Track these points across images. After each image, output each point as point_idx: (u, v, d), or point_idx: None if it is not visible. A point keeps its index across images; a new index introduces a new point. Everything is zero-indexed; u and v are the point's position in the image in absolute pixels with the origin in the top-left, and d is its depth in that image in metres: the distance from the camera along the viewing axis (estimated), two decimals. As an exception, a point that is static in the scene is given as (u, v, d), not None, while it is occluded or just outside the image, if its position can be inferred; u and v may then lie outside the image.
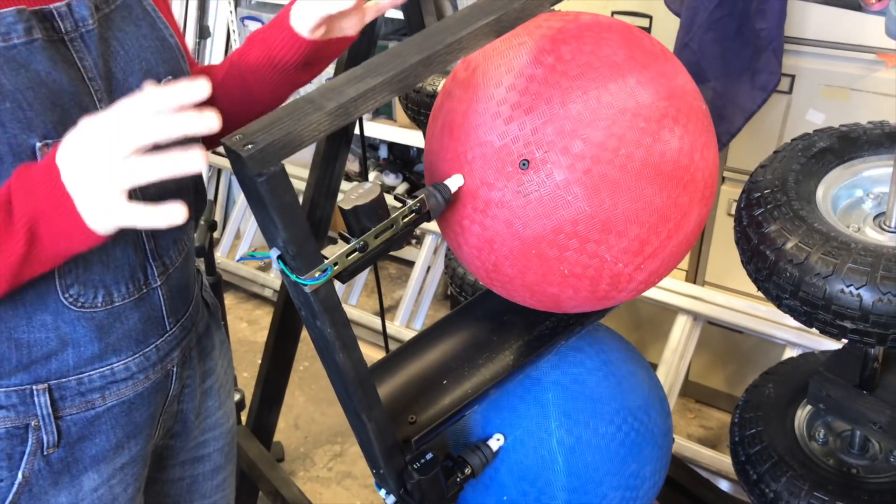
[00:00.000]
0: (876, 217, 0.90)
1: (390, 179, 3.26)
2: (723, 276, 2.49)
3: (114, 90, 0.86)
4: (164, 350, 0.97)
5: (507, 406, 1.05)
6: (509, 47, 0.88)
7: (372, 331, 2.84)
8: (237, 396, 2.08)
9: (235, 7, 3.25)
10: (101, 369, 0.90)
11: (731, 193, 2.36)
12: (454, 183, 0.87)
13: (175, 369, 1.00)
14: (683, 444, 2.33)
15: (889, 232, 0.86)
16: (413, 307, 2.87)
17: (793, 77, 2.12)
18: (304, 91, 0.81)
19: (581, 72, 0.84)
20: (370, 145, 3.35)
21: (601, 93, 0.83)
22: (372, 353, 2.91)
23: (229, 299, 3.31)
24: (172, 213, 0.69)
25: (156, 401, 0.99)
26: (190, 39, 3.41)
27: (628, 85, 0.84)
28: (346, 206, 0.79)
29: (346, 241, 0.81)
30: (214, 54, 3.43)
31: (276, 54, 0.96)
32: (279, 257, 0.76)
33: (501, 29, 0.81)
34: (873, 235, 0.87)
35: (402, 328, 2.80)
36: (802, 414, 1.09)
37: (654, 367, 2.42)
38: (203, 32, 3.43)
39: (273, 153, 0.69)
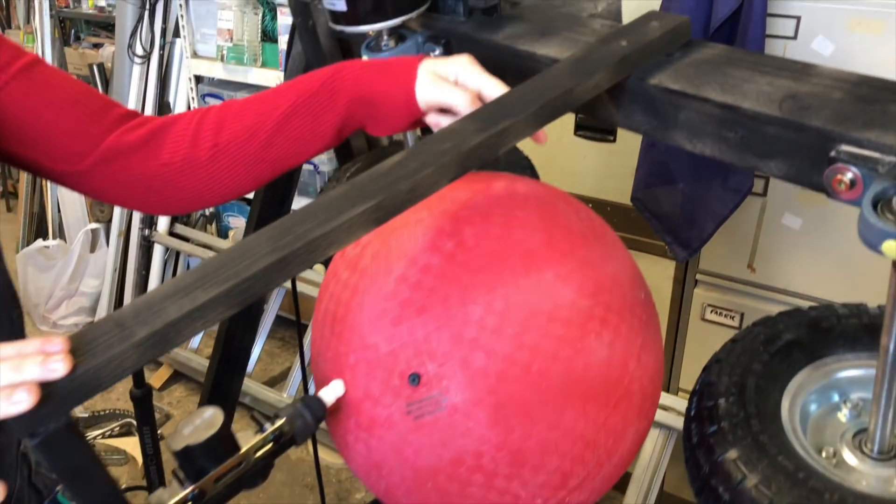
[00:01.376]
0: (856, 434, 0.73)
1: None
2: (699, 384, 2.31)
3: None
4: None
5: None
6: (404, 224, 0.72)
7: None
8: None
9: (196, 84, 3.14)
10: None
11: (704, 297, 2.20)
12: (331, 394, 0.70)
13: None
14: (658, 571, 2.12)
15: (871, 459, 0.69)
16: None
17: (767, 179, 1.98)
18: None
19: (486, 263, 0.67)
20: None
21: (510, 291, 0.66)
22: (327, 456, 2.70)
23: (179, 391, 3.11)
24: None
25: None
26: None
27: (544, 280, 0.67)
28: (176, 447, 0.61)
29: (179, 482, 0.63)
30: (174, 131, 3.30)
31: (378, 98, 0.82)
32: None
33: (383, 217, 0.64)
34: (852, 463, 0.70)
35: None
36: None
37: (626, 479, 2.23)
38: (163, 109, 3.32)
39: (54, 405, 0.52)
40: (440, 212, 0.72)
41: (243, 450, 0.64)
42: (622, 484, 2.26)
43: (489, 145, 0.70)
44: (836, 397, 0.76)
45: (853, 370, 0.76)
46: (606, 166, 2.23)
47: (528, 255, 0.68)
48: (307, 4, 1.13)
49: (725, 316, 2.17)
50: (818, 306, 0.81)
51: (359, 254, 0.74)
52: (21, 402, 0.50)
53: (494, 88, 0.80)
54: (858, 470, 0.70)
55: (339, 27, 0.92)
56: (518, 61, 0.90)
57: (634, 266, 0.76)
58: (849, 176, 0.64)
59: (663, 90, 0.76)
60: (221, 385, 1.42)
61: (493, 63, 0.94)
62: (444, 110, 0.81)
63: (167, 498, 0.61)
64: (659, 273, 2.27)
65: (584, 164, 2.28)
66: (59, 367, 0.52)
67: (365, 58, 1.00)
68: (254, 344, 1.43)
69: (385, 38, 0.97)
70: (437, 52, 0.97)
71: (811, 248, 1.99)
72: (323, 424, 0.72)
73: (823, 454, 0.71)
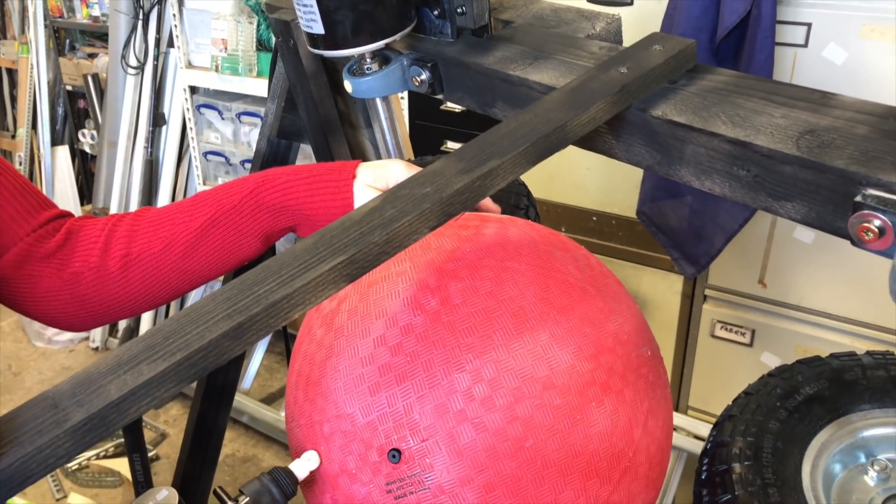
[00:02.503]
0: (887, 501, 0.66)
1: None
2: (707, 402, 2.25)
3: None
4: None
5: None
6: (384, 277, 0.65)
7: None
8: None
9: (191, 95, 3.08)
10: None
11: (713, 314, 2.13)
12: (304, 466, 0.63)
13: None
14: None
15: (906, 533, 0.62)
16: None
17: (779, 192, 1.90)
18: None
19: (473, 324, 0.60)
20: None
21: (501, 356, 0.59)
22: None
23: (175, 409, 3.06)
24: None
25: None
26: (144, 127, 3.24)
27: (539, 342, 0.60)
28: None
29: (134, 576, 0.56)
30: (169, 142, 3.25)
31: (310, 209, 0.81)
32: None
33: (355, 272, 0.57)
34: (884, 538, 0.63)
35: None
36: None
37: (636, 502, 2.16)
38: (158, 120, 3.27)
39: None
40: (424, 263, 0.65)
41: (202, 539, 0.57)
42: (630, 505, 2.20)
43: (474, 189, 0.63)
44: (862, 458, 0.69)
45: (881, 428, 0.69)
46: (612, 179, 2.16)
47: (520, 313, 0.61)
48: (288, 23, 1.07)
49: (736, 332, 2.10)
50: (840, 354, 0.74)
51: (335, 309, 0.67)
52: None
53: None
54: (891, 547, 0.63)
55: (316, 51, 0.86)
56: (509, 88, 0.83)
57: (640, 318, 0.69)
58: (877, 224, 0.57)
59: (667, 123, 0.69)
60: (207, 419, 1.35)
61: (483, 89, 0.88)
62: None
63: None
64: (666, 288, 2.19)
65: (589, 177, 2.21)
66: None
67: (346, 83, 0.93)
68: (239, 376, 1.37)
69: (368, 61, 0.91)
70: (423, 76, 0.90)
71: (824, 263, 1.91)
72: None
73: (851, 529, 0.64)
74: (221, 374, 1.32)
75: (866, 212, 0.57)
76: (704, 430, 2.07)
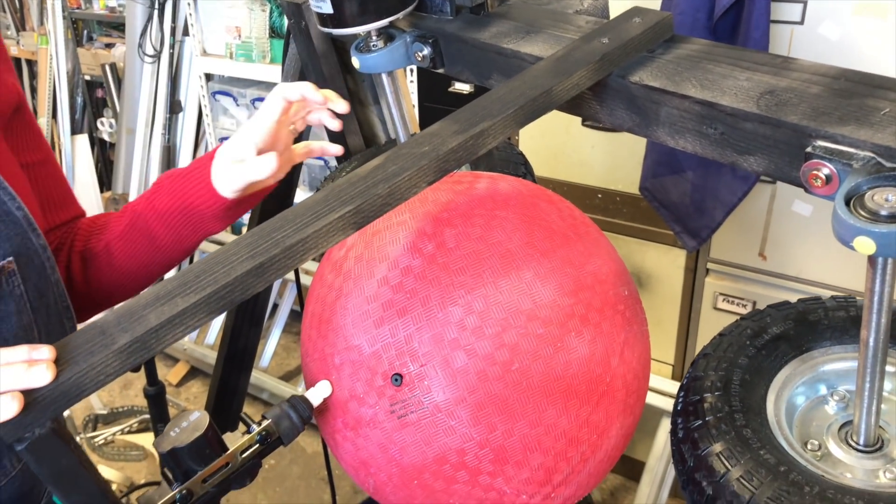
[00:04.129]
0: (842, 427, 0.73)
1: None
2: (711, 373, 2.31)
3: None
4: None
5: None
6: (386, 227, 0.73)
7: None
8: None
9: (207, 82, 3.16)
10: None
11: (716, 286, 2.19)
12: (318, 394, 0.71)
13: None
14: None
15: (857, 451, 0.69)
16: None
17: (776, 166, 1.96)
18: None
19: (465, 264, 0.68)
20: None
21: (489, 291, 0.67)
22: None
23: (196, 387, 3.15)
24: None
25: None
26: (161, 114, 3.33)
27: (524, 280, 0.68)
28: (163, 449, 0.63)
29: (168, 482, 0.65)
30: (186, 129, 3.34)
31: (191, 206, 0.88)
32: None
33: (362, 221, 0.65)
34: (838, 455, 0.70)
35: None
36: None
37: (642, 467, 2.23)
38: (174, 107, 3.36)
39: (38, 412, 0.54)
40: (422, 214, 0.73)
41: (230, 451, 0.66)
42: (636, 474, 2.26)
43: (467, 147, 0.70)
44: (823, 390, 0.76)
45: (841, 363, 0.76)
46: (615, 156, 2.22)
47: (507, 255, 0.69)
48: (299, 6, 1.14)
49: (738, 304, 2.16)
50: (806, 298, 0.81)
51: (343, 256, 0.75)
52: (5, 411, 0.52)
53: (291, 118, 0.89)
54: (844, 462, 0.70)
55: (326, 30, 0.93)
56: (503, 60, 0.90)
57: (619, 262, 0.77)
58: (824, 172, 0.63)
59: (644, 87, 0.76)
60: (229, 382, 1.44)
61: (480, 62, 0.95)
62: None
63: (157, 498, 0.63)
64: (670, 262, 2.26)
65: (593, 155, 2.27)
66: (43, 376, 0.54)
67: (354, 59, 1.01)
68: (259, 341, 1.45)
69: (374, 38, 0.98)
70: (425, 52, 0.98)
71: (822, 235, 1.97)
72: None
73: (809, 447, 0.71)
74: (242, 339, 1.41)
75: (815, 161, 0.64)
76: (706, 398, 2.13)
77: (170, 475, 0.65)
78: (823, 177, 0.63)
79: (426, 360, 0.67)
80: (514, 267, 0.68)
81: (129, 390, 3.12)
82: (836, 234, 0.58)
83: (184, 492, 0.63)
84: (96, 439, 2.81)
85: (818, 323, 0.78)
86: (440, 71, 1.00)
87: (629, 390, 0.72)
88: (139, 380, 3.12)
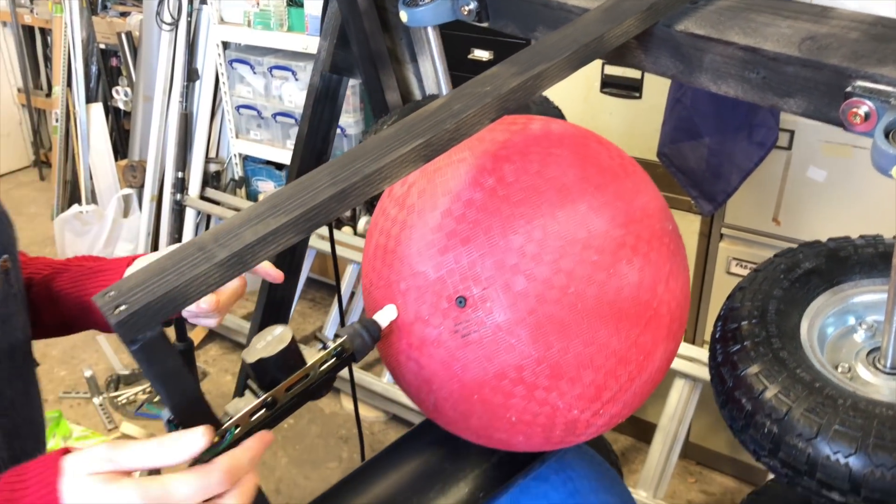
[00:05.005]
0: (870, 353, 0.78)
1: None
2: (723, 336, 2.37)
3: None
4: None
5: (459, 545, 0.93)
6: (448, 164, 0.78)
7: (360, 387, 2.72)
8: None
9: (224, 50, 3.19)
10: None
11: (729, 251, 2.25)
12: (385, 317, 0.77)
13: None
14: (682, 517, 2.19)
15: (884, 373, 0.75)
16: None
17: (792, 132, 2.01)
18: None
19: (525, 196, 0.73)
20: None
21: (547, 221, 0.72)
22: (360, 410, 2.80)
23: (214, 349, 3.22)
24: None
25: None
26: (178, 82, 3.36)
27: (579, 212, 0.73)
28: (250, 360, 0.68)
29: (254, 393, 0.70)
30: (203, 96, 3.37)
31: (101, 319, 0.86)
32: (169, 421, 0.65)
33: (431, 154, 0.70)
34: (866, 377, 0.75)
35: (390, 385, 2.68)
36: (795, 545, 0.98)
37: (653, 429, 2.30)
38: (192, 75, 3.38)
39: (149, 317, 0.59)
40: (481, 151, 0.78)
41: (310, 363, 0.71)
42: (648, 434, 2.33)
43: (526, 88, 0.75)
44: (852, 320, 0.82)
45: (869, 295, 0.81)
46: (632, 123, 2.26)
47: (563, 189, 0.74)
48: (345, -37, 1.18)
49: (750, 269, 2.21)
50: (837, 238, 0.86)
51: (405, 192, 0.81)
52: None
53: None
54: (872, 383, 0.75)
55: (377, -16, 0.98)
56: (549, 12, 0.94)
57: (662, 200, 0.82)
58: (863, 109, 0.68)
59: (689, 35, 0.81)
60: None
61: (525, 15, 0.99)
62: None
63: (243, 406, 0.69)
64: (685, 228, 2.31)
65: (611, 121, 2.31)
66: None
67: (402, 13, 1.05)
68: (295, 292, 1.51)
69: (422, -8, 1.03)
70: (471, 6, 1.02)
71: (835, 200, 2.02)
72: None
73: (839, 370, 0.76)
74: (280, 290, 1.47)
75: (855, 100, 0.69)
76: (718, 359, 2.19)
77: (254, 385, 0.71)
78: (862, 114, 0.68)
79: (488, 284, 0.72)
80: (569, 200, 0.73)
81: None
82: (876, 164, 0.63)
83: (269, 399, 0.69)
84: (119, 399, 2.88)
85: (848, 259, 0.83)
86: (484, 25, 1.05)
87: (673, 317, 0.78)
88: (159, 343, 3.19)
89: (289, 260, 1.46)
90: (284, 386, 0.70)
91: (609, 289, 0.72)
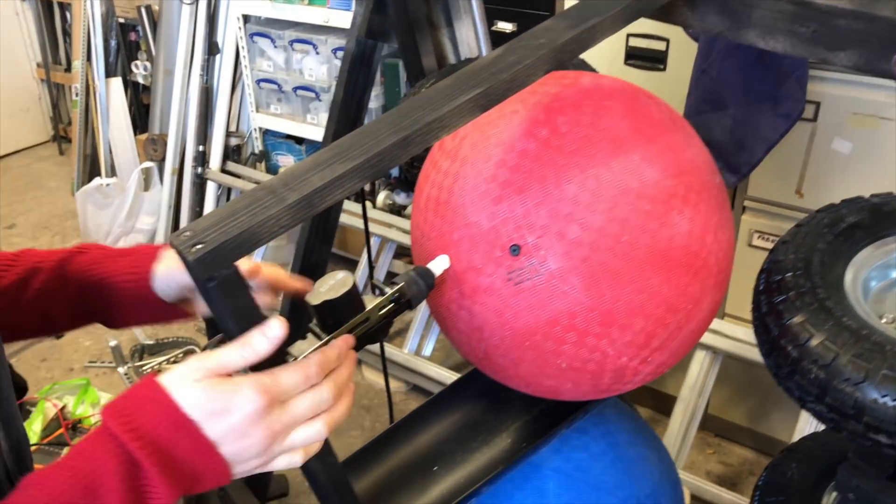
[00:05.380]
0: (913, 305, 0.80)
1: (401, 198, 3.18)
2: (744, 308, 2.38)
3: None
4: None
5: (502, 493, 0.96)
6: (500, 116, 0.80)
7: (375, 355, 2.75)
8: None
9: (244, 24, 3.20)
10: None
11: (751, 223, 2.25)
12: (438, 266, 0.79)
13: None
14: (702, 486, 2.22)
15: (927, 324, 0.76)
16: (424, 331, 2.79)
17: (818, 104, 2.01)
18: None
19: (578, 147, 0.75)
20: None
21: (601, 171, 0.74)
22: (380, 379, 2.83)
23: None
24: None
25: None
26: (199, 56, 3.37)
27: (632, 162, 0.75)
28: (315, 302, 0.71)
29: (317, 336, 0.73)
30: (224, 70, 3.38)
31: (122, 303, 0.84)
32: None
33: (488, 104, 0.72)
34: (910, 327, 0.77)
35: (411, 356, 2.72)
36: (830, 500, 1.00)
37: (672, 401, 2.32)
38: (212, 49, 3.39)
39: (225, 255, 0.62)
40: (533, 103, 0.79)
41: (370, 307, 0.74)
42: (667, 406, 2.36)
43: (580, 40, 0.76)
44: (894, 274, 0.83)
45: (912, 249, 0.83)
46: (658, 94, 2.27)
47: (616, 140, 0.76)
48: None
49: (772, 241, 2.22)
50: (880, 193, 0.88)
51: (457, 145, 0.82)
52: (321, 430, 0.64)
53: None
54: (915, 334, 0.77)
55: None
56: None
57: (709, 155, 0.83)
58: (916, 60, 0.70)
59: (738, -10, 0.82)
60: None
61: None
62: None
63: (306, 347, 0.71)
64: (705, 201, 2.32)
65: (633, 94, 2.31)
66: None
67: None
68: (329, 257, 1.54)
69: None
70: None
71: (860, 173, 2.02)
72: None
73: (883, 319, 0.78)
74: (314, 255, 1.49)
75: (907, 51, 0.70)
76: (741, 332, 2.20)
77: (316, 329, 0.73)
78: (914, 65, 0.70)
79: (543, 233, 0.74)
80: (622, 150, 0.75)
81: (172, 324, 3.22)
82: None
83: (332, 340, 0.72)
84: (143, 368, 2.93)
85: (892, 213, 0.84)
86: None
87: (720, 267, 0.79)
88: (181, 314, 3.23)
89: (322, 226, 1.48)
90: (346, 328, 0.72)
91: (661, 238, 0.74)
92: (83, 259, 0.87)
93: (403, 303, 0.76)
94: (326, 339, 0.72)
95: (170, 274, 0.84)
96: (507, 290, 0.76)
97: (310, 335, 0.74)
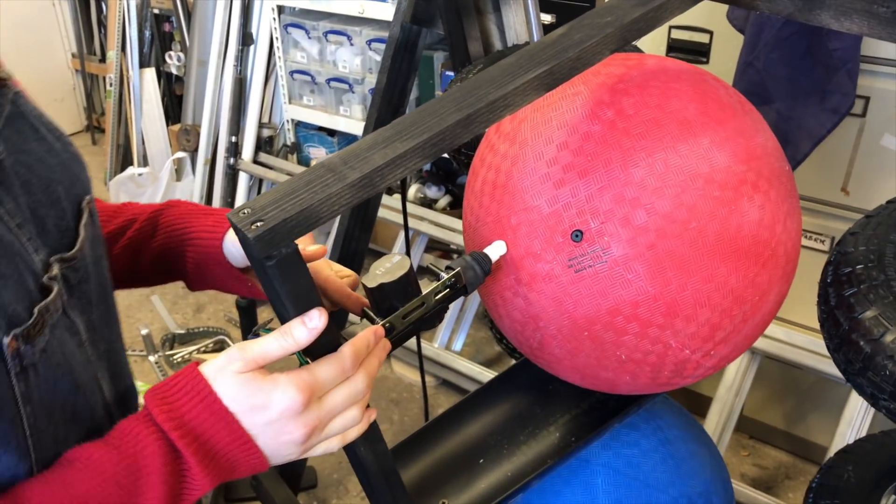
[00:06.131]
0: None
1: (433, 192, 3.17)
2: (785, 308, 2.33)
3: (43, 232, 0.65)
4: None
5: (550, 490, 0.94)
6: (562, 98, 0.77)
7: (410, 351, 2.74)
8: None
9: (279, 14, 3.20)
10: None
11: (794, 221, 2.19)
12: (495, 251, 0.76)
13: None
14: (737, 488, 2.18)
15: None
16: (454, 326, 2.77)
17: (867, 99, 1.95)
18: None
19: (645, 130, 0.72)
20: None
21: (669, 155, 0.71)
22: (409, 374, 2.82)
23: (268, 311, 3.26)
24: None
25: None
26: (233, 46, 3.37)
27: (701, 146, 0.72)
28: (371, 284, 0.69)
29: (371, 320, 0.71)
30: (257, 61, 3.39)
31: (208, 272, 0.85)
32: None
33: (553, 82, 0.69)
34: None
35: (442, 351, 2.70)
36: (889, 503, 0.96)
37: (707, 402, 2.28)
38: (246, 39, 3.40)
39: (285, 233, 0.60)
40: (597, 85, 0.77)
41: (426, 292, 0.72)
42: (703, 407, 2.31)
43: (647, 19, 0.74)
44: (970, 270, 0.79)
45: None
46: (697, 88, 2.22)
47: (685, 123, 0.73)
48: None
49: (815, 240, 2.16)
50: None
51: (516, 127, 0.80)
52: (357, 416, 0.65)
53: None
54: None
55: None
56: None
57: (776, 141, 0.80)
58: None
59: (812, -30, 0.79)
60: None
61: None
62: None
63: (359, 330, 0.69)
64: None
65: (674, 87, 2.27)
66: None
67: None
68: (367, 246, 1.52)
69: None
70: None
71: (909, 171, 1.96)
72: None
73: (962, 316, 0.74)
74: (354, 242, 1.48)
75: None
76: (781, 333, 2.16)
77: (371, 312, 0.71)
78: None
79: (607, 218, 0.71)
80: (691, 133, 0.72)
81: (202, 314, 3.24)
82: None
83: (387, 325, 0.70)
84: (174, 357, 2.94)
85: (969, 206, 0.81)
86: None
87: (788, 258, 0.76)
88: (211, 304, 3.24)
89: (362, 214, 1.46)
90: (401, 313, 0.70)
91: (730, 225, 0.71)
92: (172, 213, 0.88)
93: (459, 288, 0.74)
94: (382, 322, 0.70)
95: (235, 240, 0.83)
96: (566, 278, 0.73)
97: (364, 319, 0.72)
